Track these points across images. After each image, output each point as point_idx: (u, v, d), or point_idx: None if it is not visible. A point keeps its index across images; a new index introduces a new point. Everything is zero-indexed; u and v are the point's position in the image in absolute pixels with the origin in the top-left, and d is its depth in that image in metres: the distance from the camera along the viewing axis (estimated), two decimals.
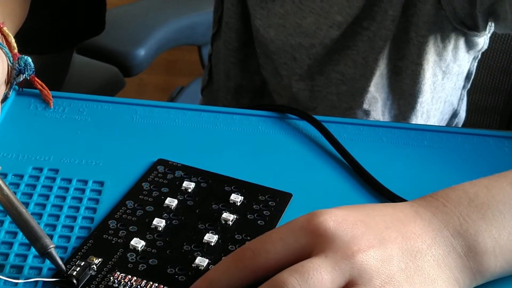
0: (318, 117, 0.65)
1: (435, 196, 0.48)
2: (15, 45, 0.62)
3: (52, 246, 0.46)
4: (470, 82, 0.86)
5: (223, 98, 0.90)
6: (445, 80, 0.81)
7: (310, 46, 0.78)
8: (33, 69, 0.62)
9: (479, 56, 0.84)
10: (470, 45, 0.80)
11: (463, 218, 0.46)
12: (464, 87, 0.87)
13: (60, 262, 0.46)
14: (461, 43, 0.79)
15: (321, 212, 0.45)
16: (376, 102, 0.80)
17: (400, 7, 0.73)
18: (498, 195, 0.47)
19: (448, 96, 0.84)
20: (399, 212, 0.46)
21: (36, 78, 0.64)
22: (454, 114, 0.88)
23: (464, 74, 0.84)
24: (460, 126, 0.90)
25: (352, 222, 0.44)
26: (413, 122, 0.82)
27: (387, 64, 0.78)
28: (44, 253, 0.46)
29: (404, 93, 0.80)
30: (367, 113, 0.80)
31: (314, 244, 0.43)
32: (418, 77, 0.78)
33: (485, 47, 0.82)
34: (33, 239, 0.46)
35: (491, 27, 0.77)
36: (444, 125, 0.88)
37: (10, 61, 0.61)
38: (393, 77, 0.79)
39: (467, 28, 0.75)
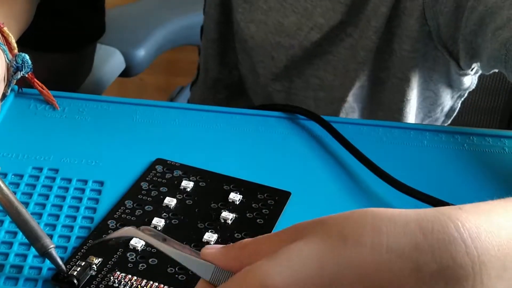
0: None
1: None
2: (15, 45, 0.62)
3: (52, 246, 0.46)
4: (451, 119, 0.82)
5: (201, 92, 0.88)
6: (415, 102, 0.77)
7: (289, 47, 0.76)
8: (31, 66, 0.62)
9: (465, 95, 0.79)
10: (453, 78, 0.75)
11: None
12: (443, 122, 0.82)
13: (60, 262, 0.46)
14: (444, 72, 0.75)
15: (260, 273, 0.32)
16: (354, 112, 0.78)
17: (384, 19, 0.71)
18: None
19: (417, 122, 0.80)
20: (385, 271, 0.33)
21: (35, 80, 0.64)
22: None
23: (445, 109, 0.80)
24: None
25: None
26: None
27: (368, 75, 0.75)
28: (44, 253, 0.46)
29: (383, 105, 0.77)
30: None
31: None
32: (398, 91, 0.75)
33: (472, 87, 0.77)
34: (33, 239, 0.46)
35: (478, 69, 0.74)
36: None
37: (7, 59, 0.61)
38: (373, 87, 0.77)
39: (449, 54, 0.72)
